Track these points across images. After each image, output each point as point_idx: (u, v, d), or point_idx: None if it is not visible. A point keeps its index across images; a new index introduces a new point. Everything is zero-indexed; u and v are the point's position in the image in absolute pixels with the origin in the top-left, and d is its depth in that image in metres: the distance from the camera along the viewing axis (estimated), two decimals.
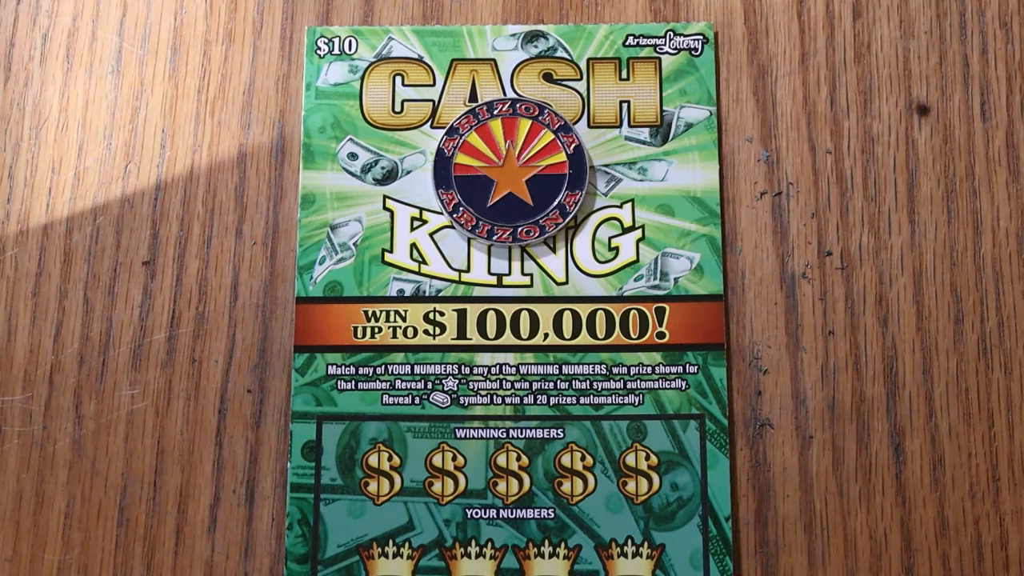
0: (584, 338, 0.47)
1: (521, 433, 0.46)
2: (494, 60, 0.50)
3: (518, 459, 0.46)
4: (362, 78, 0.50)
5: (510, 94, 0.49)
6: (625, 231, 0.48)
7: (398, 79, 0.50)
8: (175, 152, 0.49)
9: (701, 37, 0.50)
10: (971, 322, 0.47)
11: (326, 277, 0.48)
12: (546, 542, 0.45)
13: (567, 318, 0.47)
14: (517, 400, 0.46)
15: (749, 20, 0.50)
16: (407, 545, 0.45)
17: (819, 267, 0.48)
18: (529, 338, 0.47)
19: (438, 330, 0.47)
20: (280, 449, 0.47)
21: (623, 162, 0.49)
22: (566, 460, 0.46)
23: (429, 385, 0.47)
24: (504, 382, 0.47)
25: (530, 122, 0.49)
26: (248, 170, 0.49)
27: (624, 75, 0.49)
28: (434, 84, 0.49)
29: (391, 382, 0.47)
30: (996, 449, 0.46)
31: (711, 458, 0.46)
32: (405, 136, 0.49)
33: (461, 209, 0.48)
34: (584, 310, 0.47)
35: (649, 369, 0.47)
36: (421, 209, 0.48)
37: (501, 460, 0.46)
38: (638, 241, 0.48)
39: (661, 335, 0.47)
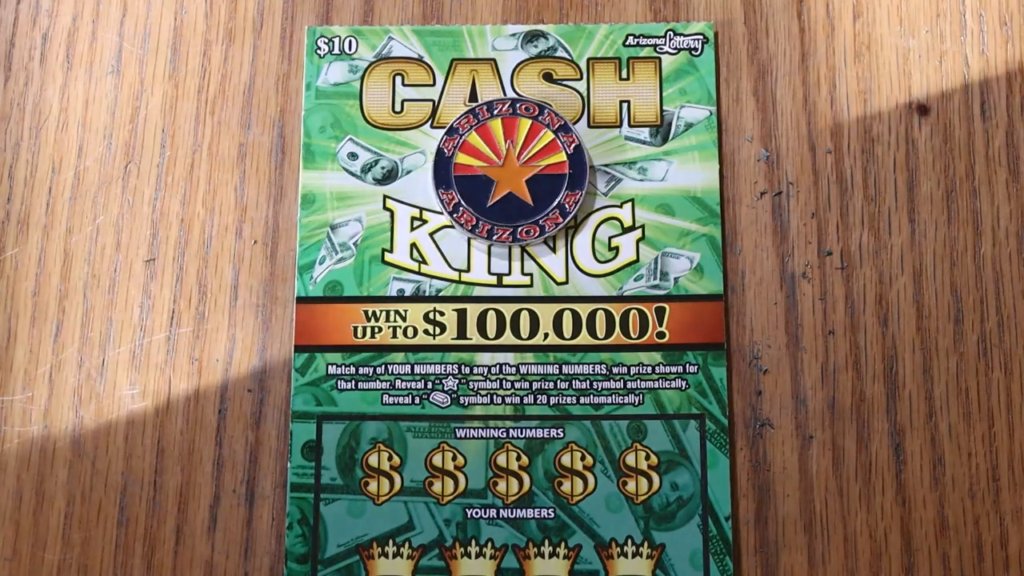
0: (584, 338, 0.47)
1: (521, 433, 0.46)
2: (494, 60, 0.50)
3: (518, 459, 0.46)
4: (362, 78, 0.50)
5: (510, 94, 0.49)
6: (625, 231, 0.48)
7: (398, 79, 0.50)
8: (175, 152, 0.49)
9: (701, 37, 0.50)
10: (971, 322, 0.47)
11: (326, 277, 0.48)
12: (546, 542, 0.45)
13: (567, 318, 0.47)
14: (517, 400, 0.46)
15: (749, 20, 0.50)
16: (407, 545, 0.45)
17: (819, 267, 0.48)
18: (529, 338, 0.47)
19: (438, 330, 0.47)
20: (280, 449, 0.47)
21: (623, 162, 0.49)
22: (566, 460, 0.46)
23: (429, 385, 0.47)
24: (504, 382, 0.47)
25: (530, 122, 0.49)
26: (248, 170, 0.49)
27: (624, 75, 0.49)
28: (434, 84, 0.49)
29: (391, 382, 0.47)
30: (996, 449, 0.46)
31: (711, 458, 0.46)
32: (405, 136, 0.49)
33: (461, 209, 0.48)
34: (584, 310, 0.47)
35: (649, 369, 0.47)
36: (421, 209, 0.48)
37: (501, 460, 0.46)
38: (638, 241, 0.48)
39: (661, 335, 0.47)
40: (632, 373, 0.47)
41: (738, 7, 0.50)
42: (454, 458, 0.46)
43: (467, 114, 0.49)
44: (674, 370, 0.47)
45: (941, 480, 0.46)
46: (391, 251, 0.48)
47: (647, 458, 0.46)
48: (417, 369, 0.47)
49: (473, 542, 0.45)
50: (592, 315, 0.47)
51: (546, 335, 0.47)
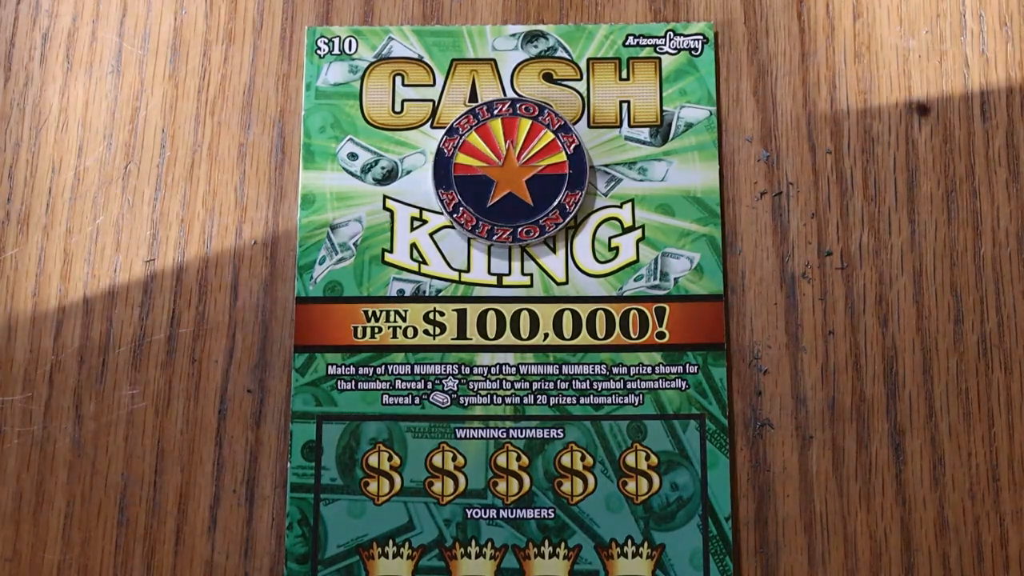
0: (584, 338, 0.47)
1: (521, 433, 0.46)
2: (494, 60, 0.50)
3: (518, 459, 0.46)
4: (362, 78, 0.50)
5: (510, 94, 0.49)
6: (625, 231, 0.48)
7: (398, 79, 0.50)
8: (175, 152, 0.49)
9: (701, 37, 0.50)
10: (971, 322, 0.47)
11: (326, 277, 0.48)
12: (546, 542, 0.45)
13: (567, 318, 0.47)
14: (517, 400, 0.46)
15: (749, 20, 0.50)
16: (407, 545, 0.45)
17: (819, 267, 0.48)
18: (529, 338, 0.47)
19: (438, 330, 0.47)
20: (280, 449, 0.47)
21: (623, 162, 0.49)
22: (566, 460, 0.46)
23: (429, 385, 0.47)
24: (504, 382, 0.47)
25: (530, 122, 0.49)
26: (248, 170, 0.49)
27: (624, 75, 0.49)
28: (434, 84, 0.49)
29: (391, 382, 0.47)
30: (996, 449, 0.46)
31: (711, 458, 0.46)
32: (405, 136, 0.49)
33: (461, 209, 0.48)
34: (584, 310, 0.47)
35: (649, 369, 0.47)
36: (421, 209, 0.48)
37: (501, 460, 0.46)
38: (638, 241, 0.48)
39: (661, 335, 0.47)
40: (632, 373, 0.47)
41: (738, 7, 0.50)
42: (454, 458, 0.46)
43: (467, 114, 0.49)
44: (674, 370, 0.47)
45: (941, 480, 0.46)
46: (391, 251, 0.48)
47: (647, 458, 0.46)
48: (417, 369, 0.47)
49: (473, 542, 0.45)
50: (592, 315, 0.47)
51: (546, 335, 0.47)
